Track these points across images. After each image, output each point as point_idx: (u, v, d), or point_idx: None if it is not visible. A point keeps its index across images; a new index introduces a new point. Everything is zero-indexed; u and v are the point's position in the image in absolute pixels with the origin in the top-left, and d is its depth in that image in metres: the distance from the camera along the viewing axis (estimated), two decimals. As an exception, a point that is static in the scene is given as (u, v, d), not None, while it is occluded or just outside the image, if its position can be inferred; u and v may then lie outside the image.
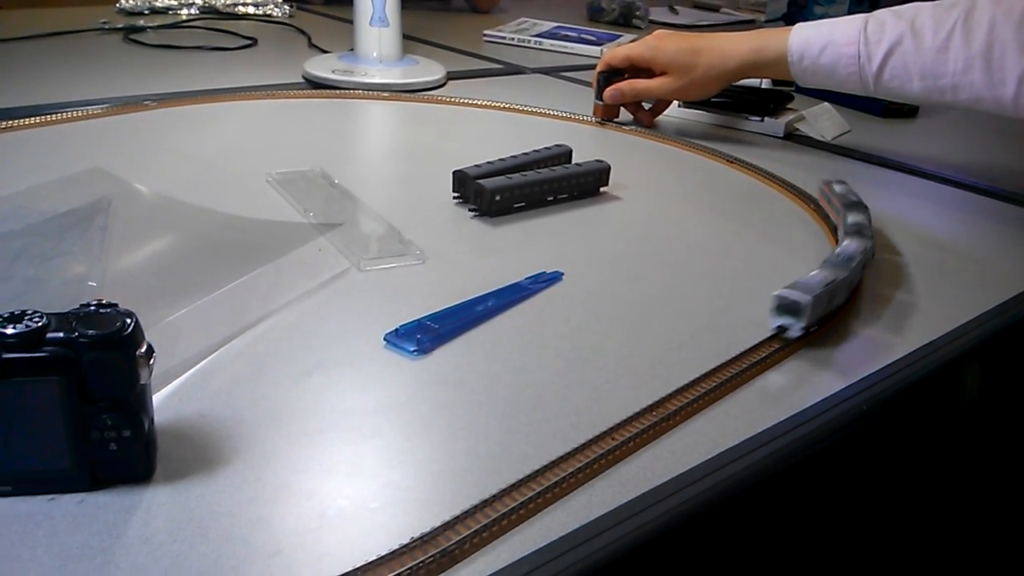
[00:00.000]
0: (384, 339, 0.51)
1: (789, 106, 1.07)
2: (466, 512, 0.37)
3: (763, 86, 1.03)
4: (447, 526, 0.37)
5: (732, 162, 0.90)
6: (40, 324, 0.35)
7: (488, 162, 0.76)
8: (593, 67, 1.03)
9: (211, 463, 0.40)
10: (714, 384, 0.48)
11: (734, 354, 0.52)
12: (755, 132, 1.03)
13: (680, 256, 0.67)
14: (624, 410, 0.46)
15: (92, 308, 0.36)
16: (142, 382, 0.37)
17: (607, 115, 1.02)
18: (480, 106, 1.05)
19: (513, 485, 0.39)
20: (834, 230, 0.71)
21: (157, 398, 0.43)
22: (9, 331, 0.34)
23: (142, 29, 1.33)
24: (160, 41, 1.26)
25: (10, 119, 0.84)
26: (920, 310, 0.61)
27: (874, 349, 0.55)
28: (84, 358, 0.35)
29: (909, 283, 0.65)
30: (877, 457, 0.55)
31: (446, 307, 0.55)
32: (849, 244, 0.62)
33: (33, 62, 1.12)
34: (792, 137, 1.03)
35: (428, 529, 0.36)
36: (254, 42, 1.30)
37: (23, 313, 0.35)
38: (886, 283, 0.64)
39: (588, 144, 0.94)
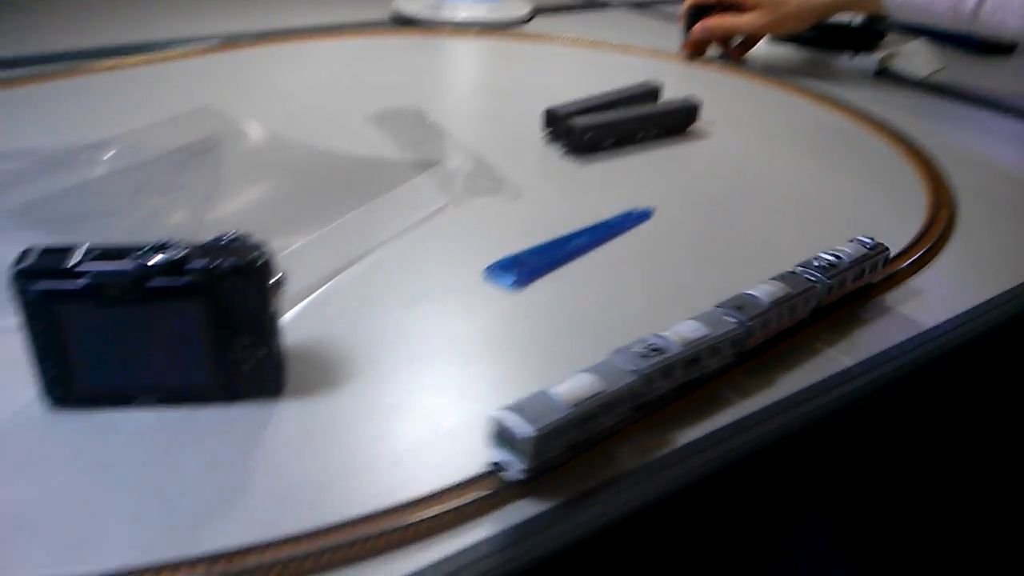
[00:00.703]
0: (483, 272, 0.54)
1: (881, 42, 1.05)
2: (565, 432, 0.40)
3: (855, 22, 1.01)
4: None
5: (822, 99, 0.90)
6: (182, 254, 0.38)
7: (578, 100, 0.77)
8: (682, 0, 1.03)
9: (332, 382, 0.44)
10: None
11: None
12: (846, 69, 1.02)
13: (768, 195, 0.68)
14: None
15: (228, 239, 0.40)
16: (274, 308, 0.40)
17: (695, 51, 1.02)
18: (567, 42, 1.06)
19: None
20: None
21: (280, 322, 0.47)
22: (155, 260, 0.38)
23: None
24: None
25: (119, 55, 0.89)
26: (1011, 255, 0.61)
27: (961, 292, 0.56)
28: (222, 285, 0.39)
29: (998, 227, 0.65)
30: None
31: (540, 243, 0.57)
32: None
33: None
34: (884, 74, 1.02)
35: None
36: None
37: (166, 243, 0.39)
38: (976, 225, 0.65)
39: (676, 81, 0.95)
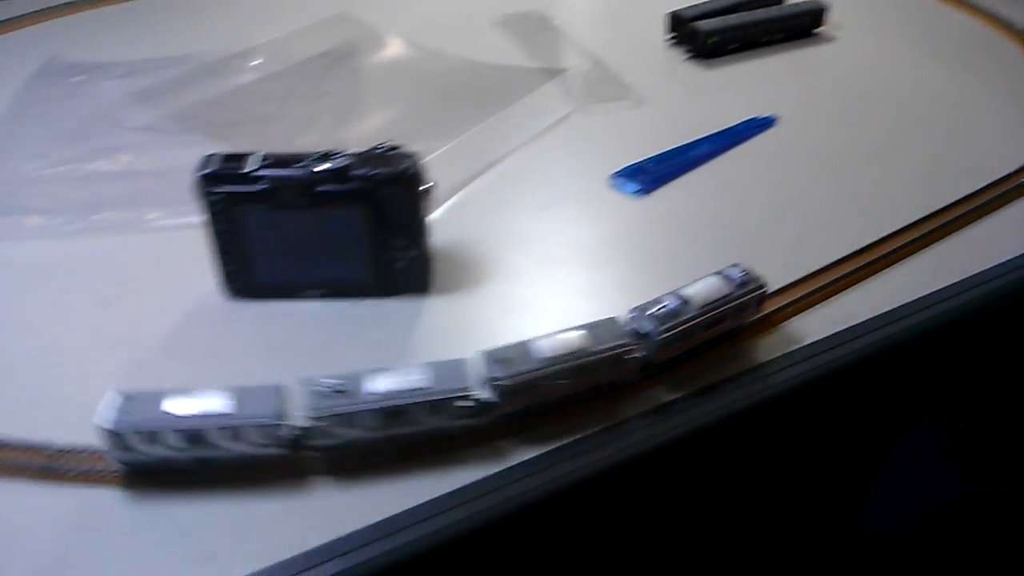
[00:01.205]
0: (609, 179, 0.56)
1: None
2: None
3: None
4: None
5: (959, 2, 0.87)
6: (346, 162, 0.42)
7: (702, 2, 0.77)
8: None
9: (473, 280, 0.48)
10: (920, 234, 0.51)
11: (947, 202, 0.54)
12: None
13: (895, 102, 0.67)
14: (829, 254, 0.50)
15: (385, 149, 0.44)
16: (425, 212, 0.44)
17: None
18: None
19: (730, 313, 0.45)
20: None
21: (422, 224, 0.51)
22: (322, 168, 0.42)
23: None
24: None
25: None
26: None
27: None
28: (381, 192, 0.43)
29: None
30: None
31: (664, 150, 0.59)
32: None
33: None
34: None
35: (658, 345, 0.43)
36: None
37: (331, 152, 0.43)
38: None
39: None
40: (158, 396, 0.36)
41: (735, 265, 0.43)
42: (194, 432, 0.35)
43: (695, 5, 0.76)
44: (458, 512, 0.35)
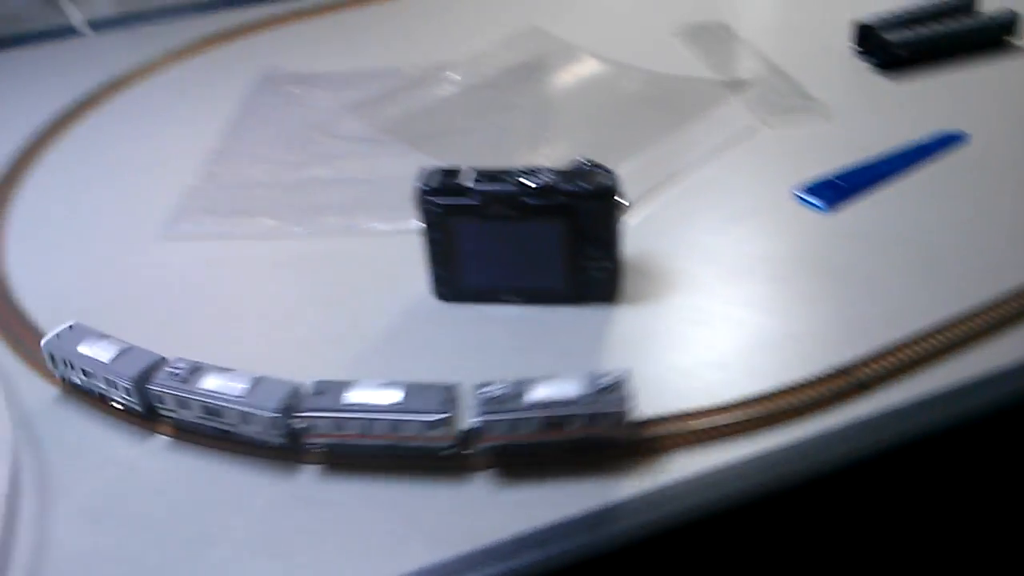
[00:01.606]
0: (794, 193, 0.58)
1: None
2: (879, 353, 0.45)
3: None
4: (862, 362, 0.44)
5: None
6: (551, 179, 0.46)
7: (888, 12, 0.76)
8: None
9: (658, 291, 0.50)
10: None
11: None
12: None
13: (1096, 117, 0.65)
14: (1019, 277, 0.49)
15: (586, 166, 0.47)
16: (619, 226, 0.47)
17: None
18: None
19: (918, 335, 0.46)
20: None
21: (611, 235, 0.54)
22: (529, 183, 0.46)
23: None
24: None
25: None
26: None
27: None
28: (582, 207, 0.46)
29: None
30: None
31: (851, 165, 0.60)
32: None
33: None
34: None
35: (846, 361, 0.44)
36: None
37: (537, 169, 0.46)
38: None
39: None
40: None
41: (613, 373, 0.40)
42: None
43: (882, 15, 0.76)
44: (614, 526, 0.38)
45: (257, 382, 0.42)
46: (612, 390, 0.39)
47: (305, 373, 0.45)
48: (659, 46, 0.79)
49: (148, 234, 0.57)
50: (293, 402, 0.41)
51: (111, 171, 0.66)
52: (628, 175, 0.60)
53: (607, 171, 0.47)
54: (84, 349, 0.44)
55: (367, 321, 0.49)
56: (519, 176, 0.46)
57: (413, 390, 0.40)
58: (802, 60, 0.75)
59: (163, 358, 0.43)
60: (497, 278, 0.49)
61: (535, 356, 0.46)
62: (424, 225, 0.47)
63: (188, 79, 0.79)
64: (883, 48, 0.72)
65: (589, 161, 0.48)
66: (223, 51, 0.84)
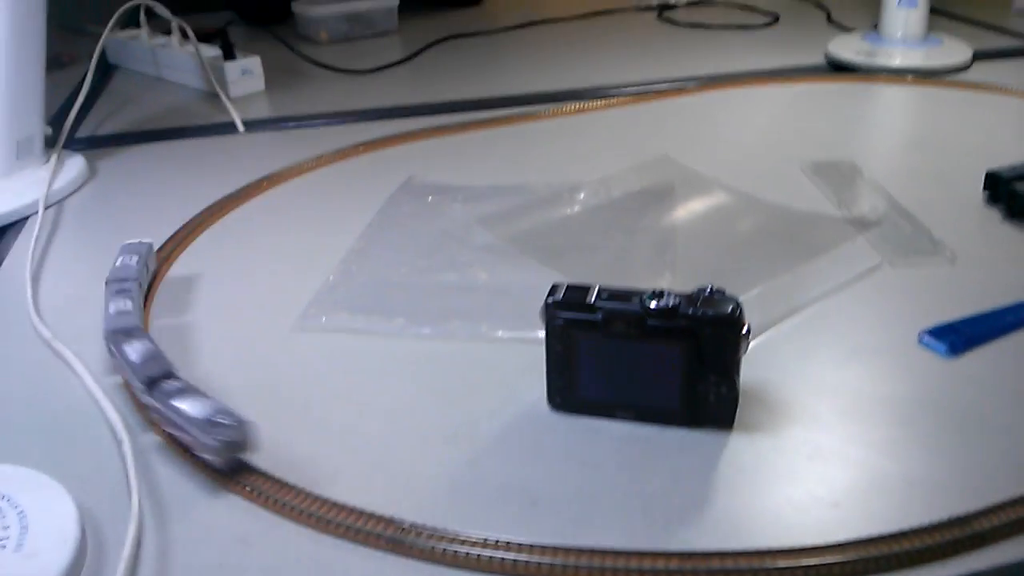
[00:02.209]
0: (918, 336, 0.57)
1: None
2: (1000, 504, 0.44)
3: None
4: (981, 513, 0.43)
5: None
6: (675, 303, 0.47)
7: (1021, 163, 0.76)
8: None
9: (775, 422, 0.51)
10: None
11: None
12: None
13: None
14: None
15: (709, 292, 0.48)
16: (741, 353, 0.48)
17: None
18: (1008, 93, 1.02)
19: (1045, 490, 0.45)
20: None
21: (728, 361, 0.55)
22: (653, 305, 0.47)
23: (673, 7, 1.48)
24: (689, 19, 1.40)
25: (582, 99, 1.02)
26: None
27: None
28: (703, 332, 0.47)
29: None
30: None
31: (978, 312, 0.59)
32: None
33: (583, 40, 1.32)
34: None
35: (963, 512, 0.43)
36: (775, 19, 1.38)
37: (663, 292, 0.48)
38: None
39: None
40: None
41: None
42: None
43: (1014, 164, 0.76)
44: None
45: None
46: None
47: (418, 468, 0.47)
48: (787, 181, 0.80)
49: (285, 324, 0.61)
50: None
51: (255, 262, 0.70)
52: (750, 304, 0.61)
53: (731, 299, 0.48)
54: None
55: (483, 423, 0.51)
56: (645, 298, 0.48)
57: None
58: (930, 204, 0.75)
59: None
60: (613, 393, 0.50)
61: (644, 475, 0.47)
62: (548, 336, 0.49)
63: (335, 181, 0.85)
64: (1012, 197, 0.72)
65: (713, 287, 0.49)
66: (369, 158, 0.90)
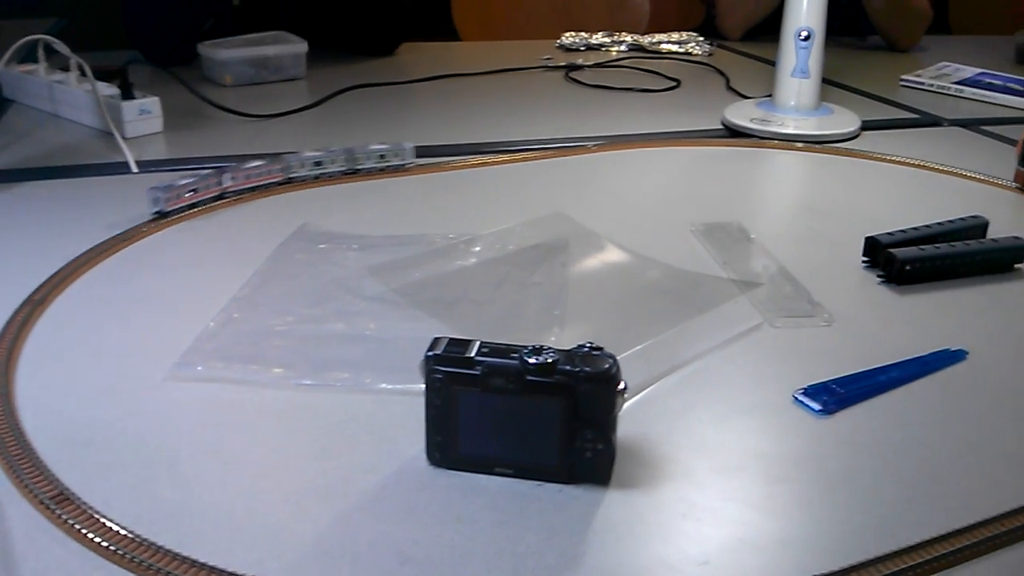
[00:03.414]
0: (793, 395, 0.59)
1: None
2: (861, 563, 0.45)
3: None
4: (844, 572, 0.44)
5: None
6: (554, 359, 0.47)
7: (901, 230, 0.80)
8: (1019, 121, 1.01)
9: (653, 478, 0.51)
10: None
11: None
12: None
13: (1098, 350, 0.67)
14: (1015, 500, 0.49)
15: (587, 349, 0.49)
16: (617, 410, 0.48)
17: None
18: (893, 162, 1.07)
19: (905, 549, 0.46)
20: None
21: (610, 418, 0.55)
22: (532, 360, 0.47)
23: (580, 67, 1.51)
24: (595, 80, 1.43)
25: (480, 153, 1.03)
26: None
27: None
28: (581, 387, 0.47)
29: None
30: None
31: (851, 372, 0.61)
32: None
33: (490, 96, 1.34)
34: None
35: (826, 571, 0.44)
36: (677, 84, 1.42)
37: (542, 347, 0.48)
38: None
39: (1006, 212, 0.93)
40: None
41: None
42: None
43: (893, 231, 0.79)
44: None
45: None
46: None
47: (287, 524, 0.46)
48: (677, 241, 0.82)
49: (159, 372, 0.59)
50: None
51: (136, 307, 0.68)
52: (634, 361, 0.62)
53: (608, 356, 0.48)
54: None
55: (358, 478, 0.50)
56: (523, 353, 0.48)
57: None
58: (812, 267, 0.77)
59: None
60: (492, 449, 0.50)
61: (518, 532, 0.46)
62: (427, 391, 0.49)
63: (226, 225, 0.83)
64: (891, 263, 0.75)
65: (592, 344, 0.49)
66: (265, 203, 0.89)
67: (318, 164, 0.94)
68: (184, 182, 0.85)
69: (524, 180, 0.98)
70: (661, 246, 0.80)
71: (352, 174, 0.96)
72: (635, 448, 0.53)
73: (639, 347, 0.63)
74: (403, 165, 0.99)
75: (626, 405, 0.57)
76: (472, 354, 0.48)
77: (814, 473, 0.52)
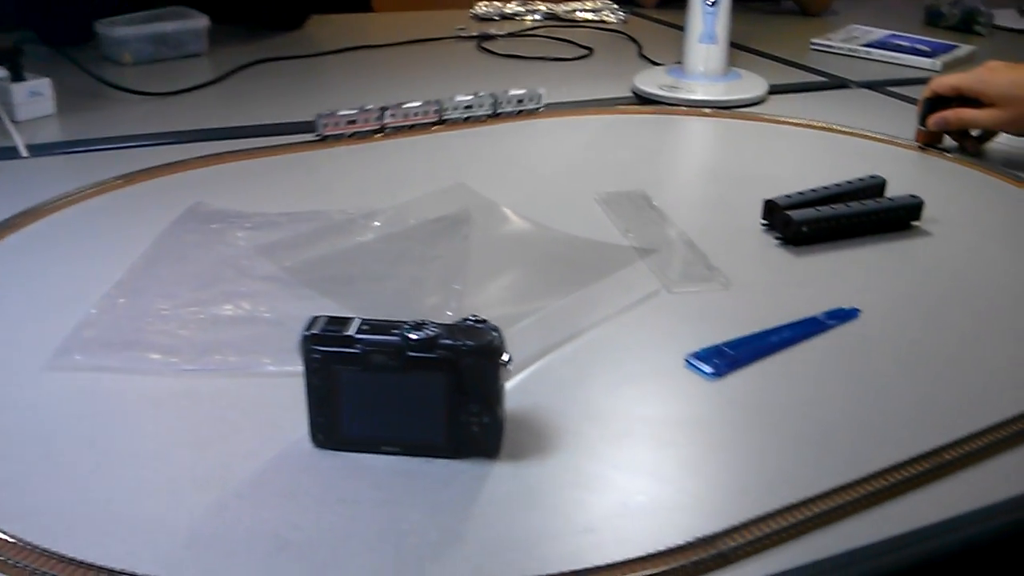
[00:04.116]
0: (685, 360, 0.59)
1: None
2: (744, 523, 0.45)
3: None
4: (726, 533, 0.44)
5: (1062, 201, 0.88)
6: (435, 333, 0.47)
7: (799, 192, 0.80)
8: (924, 81, 1.02)
9: (542, 449, 0.51)
10: (992, 440, 0.51)
11: (1019, 411, 0.54)
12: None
13: (985, 303, 0.68)
14: (900, 453, 0.50)
15: (471, 322, 0.48)
16: (501, 382, 0.48)
17: (929, 141, 1.01)
18: (798, 125, 1.08)
19: (788, 506, 0.46)
20: None
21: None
22: (413, 336, 0.46)
23: (492, 37, 1.49)
24: (508, 50, 1.42)
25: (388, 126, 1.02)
26: None
27: None
28: (463, 361, 0.46)
29: None
30: None
31: (744, 335, 0.61)
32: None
33: (400, 67, 1.32)
34: None
35: (710, 532, 0.44)
36: (590, 52, 1.42)
37: (423, 323, 0.47)
38: None
39: (906, 170, 0.95)
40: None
41: None
42: None
43: (792, 193, 0.80)
44: None
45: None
46: None
47: (161, 516, 0.45)
48: (580, 209, 0.82)
49: (37, 362, 0.56)
50: None
51: (17, 294, 0.65)
52: (528, 330, 0.61)
53: (491, 328, 0.48)
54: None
55: (239, 465, 0.48)
56: (404, 329, 0.47)
57: None
58: (713, 232, 0.78)
59: None
60: (377, 428, 0.49)
61: (402, 511, 0.46)
62: (305, 371, 0.48)
63: (114, 209, 0.80)
64: (788, 225, 0.76)
65: (476, 317, 0.48)
66: (158, 184, 0.86)
67: (468, 107, 1.05)
68: (344, 113, 0.98)
69: (431, 152, 0.97)
70: (565, 216, 0.79)
71: (495, 117, 1.06)
72: (526, 419, 0.53)
73: (535, 317, 0.62)
74: (537, 109, 1.09)
75: (520, 376, 0.57)
76: (351, 332, 0.47)
77: (703, 436, 0.52)
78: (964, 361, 0.60)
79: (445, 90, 1.20)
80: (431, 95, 1.16)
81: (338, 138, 0.98)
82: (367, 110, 0.99)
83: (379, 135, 1.00)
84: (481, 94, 1.06)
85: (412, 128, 1.02)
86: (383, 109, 1.00)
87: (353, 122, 0.99)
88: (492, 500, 0.47)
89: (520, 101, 1.08)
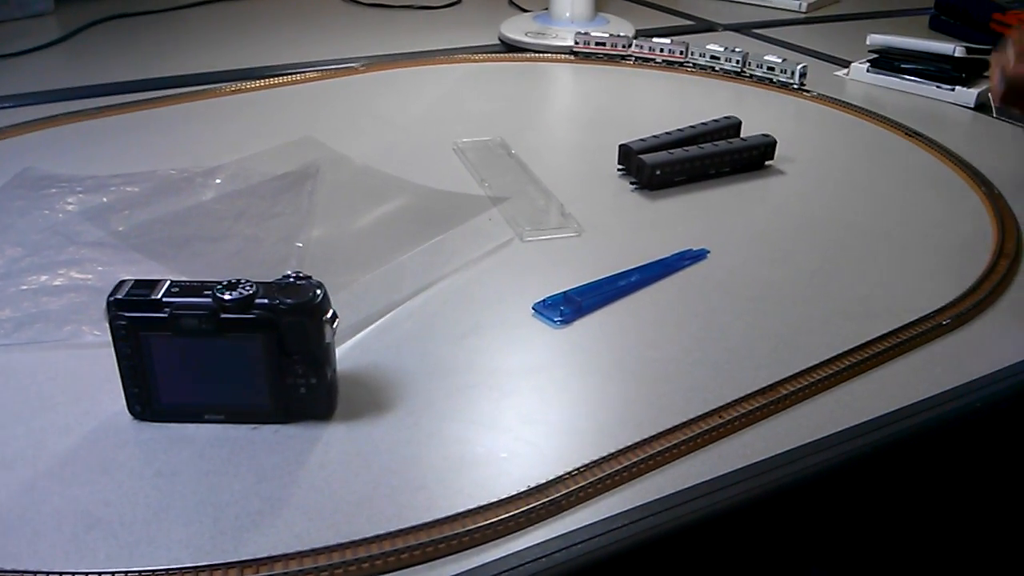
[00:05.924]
0: (532, 308, 0.58)
1: (986, 74, 1.03)
2: (577, 469, 0.44)
3: (957, 53, 0.99)
4: (559, 480, 0.44)
5: (911, 136, 0.90)
6: (250, 292, 0.44)
7: (654, 135, 0.80)
8: (790, 23, 1.02)
9: (379, 407, 0.49)
10: (827, 373, 0.52)
11: (859, 342, 0.55)
12: (945, 102, 1.01)
13: (833, 238, 0.69)
14: (738, 390, 0.51)
15: (291, 279, 0.46)
16: (327, 340, 0.46)
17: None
18: (660, 69, 1.08)
19: (622, 450, 0.46)
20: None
21: (342, 349, 0.53)
22: (227, 297, 0.44)
23: (359, -13, 1.44)
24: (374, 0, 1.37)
25: (243, 80, 0.97)
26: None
27: (1002, 349, 0.56)
28: (283, 321, 0.44)
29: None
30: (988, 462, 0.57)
31: (592, 280, 0.61)
32: None
33: (263, 21, 1.26)
34: (986, 109, 0.99)
35: (543, 480, 0.44)
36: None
37: (238, 282, 0.45)
38: (1042, 278, 0.64)
39: (766, 111, 0.96)
40: None
41: None
42: None
43: (647, 137, 0.79)
44: None
45: None
46: None
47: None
48: (438, 160, 0.80)
49: None
50: None
51: None
52: (374, 286, 0.59)
53: (315, 285, 0.45)
54: None
55: (51, 441, 0.45)
56: (216, 289, 0.44)
57: None
58: (568, 180, 0.77)
59: None
60: (197, 395, 0.46)
61: (224, 480, 0.43)
62: (113, 339, 0.45)
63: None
64: (641, 169, 0.75)
65: (298, 274, 0.46)
66: (-9, 149, 0.80)
67: (715, 58, 1.07)
68: (597, 34, 1.10)
69: (283, 106, 0.93)
70: (422, 166, 0.77)
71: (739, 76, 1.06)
72: (365, 378, 0.51)
73: (381, 271, 0.60)
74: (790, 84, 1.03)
75: (363, 333, 0.55)
76: (159, 295, 0.44)
77: (544, 384, 0.52)
78: (808, 298, 0.61)
79: (306, 42, 1.16)
80: (294, 47, 1.12)
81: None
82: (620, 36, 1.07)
83: (230, 88, 0.95)
84: (735, 49, 1.05)
85: (259, 80, 0.98)
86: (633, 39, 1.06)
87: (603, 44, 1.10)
88: (322, 464, 0.45)
89: (771, 68, 1.04)
